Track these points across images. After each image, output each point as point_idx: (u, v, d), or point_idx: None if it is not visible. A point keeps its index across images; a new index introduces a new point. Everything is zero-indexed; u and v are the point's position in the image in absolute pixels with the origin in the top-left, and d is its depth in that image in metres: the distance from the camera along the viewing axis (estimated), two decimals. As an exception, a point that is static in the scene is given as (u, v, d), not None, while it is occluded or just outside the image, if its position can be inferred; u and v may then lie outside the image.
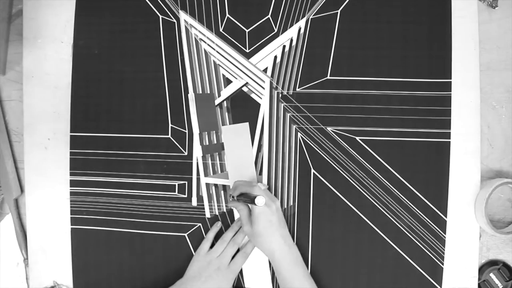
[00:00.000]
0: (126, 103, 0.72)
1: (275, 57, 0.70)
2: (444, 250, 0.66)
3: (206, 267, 0.65)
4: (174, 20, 0.72)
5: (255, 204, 0.58)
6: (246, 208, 0.65)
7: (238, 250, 0.68)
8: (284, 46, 0.70)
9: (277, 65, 0.70)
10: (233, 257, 0.67)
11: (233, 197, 0.67)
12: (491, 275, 0.66)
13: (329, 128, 0.69)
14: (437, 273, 0.66)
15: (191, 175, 0.71)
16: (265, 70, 0.70)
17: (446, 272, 0.66)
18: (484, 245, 0.68)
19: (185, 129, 0.71)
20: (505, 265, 0.67)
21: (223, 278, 0.65)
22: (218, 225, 0.70)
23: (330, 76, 0.69)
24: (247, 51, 0.71)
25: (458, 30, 0.68)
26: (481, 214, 0.64)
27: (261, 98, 0.70)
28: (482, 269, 0.67)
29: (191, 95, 0.71)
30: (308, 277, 0.63)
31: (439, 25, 0.68)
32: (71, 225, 0.72)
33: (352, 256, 0.68)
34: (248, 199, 0.60)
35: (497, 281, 0.66)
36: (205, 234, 0.70)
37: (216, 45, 0.71)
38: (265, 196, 0.61)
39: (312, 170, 0.69)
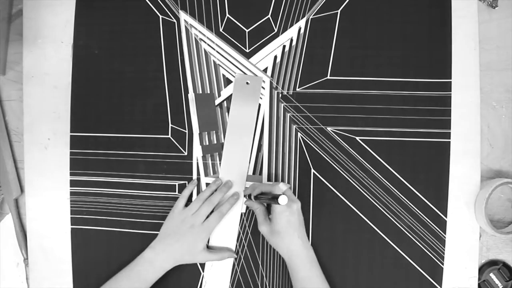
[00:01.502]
0: (126, 103, 0.72)
1: (275, 57, 0.70)
2: (444, 250, 0.66)
3: (179, 224, 0.66)
4: (174, 20, 0.72)
5: (277, 203, 0.56)
6: (263, 207, 0.65)
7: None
8: (284, 46, 0.70)
9: (277, 65, 0.70)
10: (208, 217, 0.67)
11: (249, 196, 0.66)
12: (491, 275, 0.66)
13: (329, 128, 0.69)
14: (437, 273, 0.66)
15: (191, 175, 0.71)
16: (265, 70, 0.70)
17: (446, 272, 0.66)
18: (484, 245, 0.68)
19: (185, 129, 0.71)
20: (505, 265, 0.67)
21: (197, 236, 0.65)
22: (193, 183, 0.70)
23: (330, 76, 0.69)
24: (247, 51, 0.71)
25: (458, 30, 0.68)
26: (481, 214, 0.64)
27: (261, 98, 0.70)
28: (482, 269, 0.67)
29: (191, 95, 0.71)
30: (323, 279, 0.63)
31: (439, 25, 0.68)
32: (71, 225, 0.72)
33: (352, 256, 0.68)
34: (269, 197, 0.60)
35: (497, 281, 0.66)
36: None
37: (216, 45, 0.71)
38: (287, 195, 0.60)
39: (312, 170, 0.69)
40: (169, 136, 0.71)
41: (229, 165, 0.70)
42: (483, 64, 0.68)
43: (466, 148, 0.67)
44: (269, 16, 0.71)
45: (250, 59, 0.71)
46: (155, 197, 0.71)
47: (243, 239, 0.70)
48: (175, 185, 0.71)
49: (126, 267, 0.65)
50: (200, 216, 0.66)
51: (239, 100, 0.70)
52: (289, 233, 0.62)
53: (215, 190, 0.69)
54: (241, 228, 0.70)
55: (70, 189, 0.72)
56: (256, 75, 0.69)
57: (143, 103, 0.72)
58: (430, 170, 0.67)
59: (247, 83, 0.69)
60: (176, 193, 0.71)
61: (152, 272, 0.65)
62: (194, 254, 0.65)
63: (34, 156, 0.73)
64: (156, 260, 0.65)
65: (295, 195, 0.69)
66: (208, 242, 0.68)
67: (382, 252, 0.67)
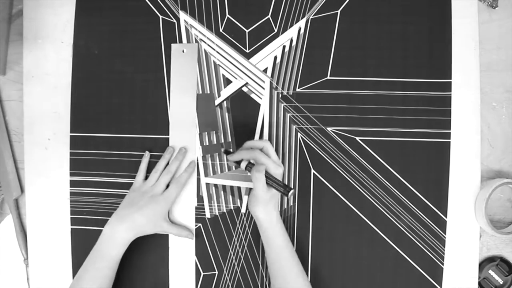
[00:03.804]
0: (126, 103, 0.72)
1: (275, 57, 0.70)
2: (444, 250, 0.66)
3: (140, 196, 0.66)
4: (174, 21, 0.72)
5: (286, 195, 0.60)
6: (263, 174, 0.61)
7: None
8: (284, 46, 0.70)
9: (277, 65, 0.70)
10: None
11: (236, 162, 0.65)
12: (490, 271, 0.66)
13: (329, 128, 0.69)
14: (437, 273, 0.66)
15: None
16: (265, 70, 0.70)
17: (446, 272, 0.66)
18: (484, 245, 0.68)
19: (185, 129, 0.71)
20: (502, 260, 0.67)
21: (157, 205, 0.65)
22: (147, 155, 0.70)
23: (330, 76, 0.69)
24: (247, 51, 0.71)
25: (458, 30, 0.68)
26: (481, 214, 0.64)
27: (261, 98, 0.70)
28: (480, 266, 0.67)
29: (191, 95, 0.71)
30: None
31: (439, 25, 0.68)
32: (71, 225, 0.72)
33: (352, 256, 0.68)
34: (279, 186, 0.61)
35: (496, 277, 0.66)
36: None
37: (216, 45, 0.71)
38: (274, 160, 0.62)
39: (312, 170, 0.69)
40: (169, 136, 0.71)
41: (177, 131, 0.71)
42: (483, 64, 0.68)
43: (466, 148, 0.67)
44: (269, 16, 0.71)
45: (250, 59, 0.71)
46: (155, 197, 0.71)
47: (243, 239, 0.70)
48: (175, 185, 0.71)
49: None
50: (160, 186, 0.66)
51: (178, 68, 0.71)
52: (276, 200, 0.64)
53: (170, 160, 0.69)
54: (241, 228, 0.70)
55: (70, 189, 0.72)
56: (193, 43, 0.71)
57: (143, 103, 0.72)
58: (430, 170, 0.67)
59: (183, 51, 0.70)
60: (176, 193, 0.71)
61: (113, 247, 0.63)
62: (155, 223, 0.65)
63: (34, 156, 0.73)
64: (116, 232, 0.63)
65: (295, 195, 0.69)
66: (168, 215, 0.69)
67: (382, 252, 0.67)
